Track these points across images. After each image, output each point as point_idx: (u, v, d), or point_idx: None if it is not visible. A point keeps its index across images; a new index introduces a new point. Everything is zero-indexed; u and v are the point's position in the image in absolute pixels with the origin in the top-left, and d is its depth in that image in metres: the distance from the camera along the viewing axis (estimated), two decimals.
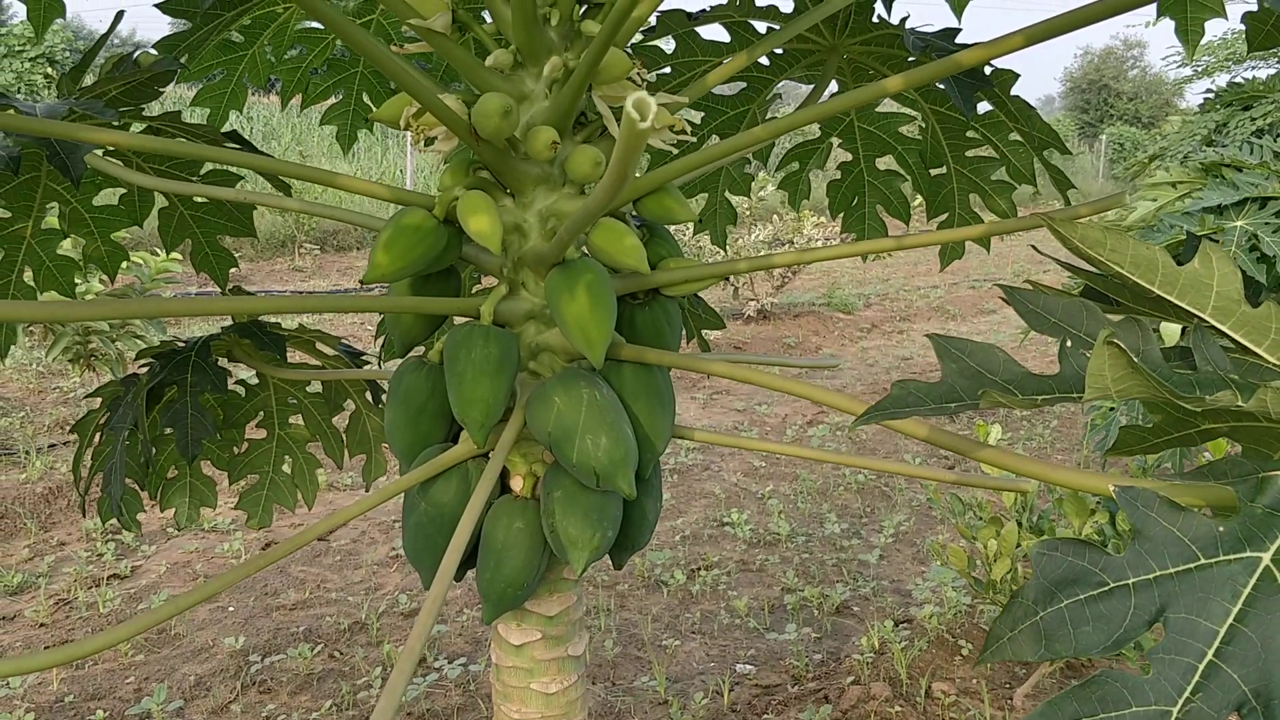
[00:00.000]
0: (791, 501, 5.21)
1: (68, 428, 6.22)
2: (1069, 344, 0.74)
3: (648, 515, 1.32)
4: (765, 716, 3.11)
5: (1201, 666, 0.63)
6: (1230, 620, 0.64)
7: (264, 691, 3.24)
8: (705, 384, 7.65)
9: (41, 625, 3.71)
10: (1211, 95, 7.73)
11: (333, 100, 2.19)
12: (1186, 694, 0.63)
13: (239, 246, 12.28)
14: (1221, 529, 0.66)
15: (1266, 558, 0.65)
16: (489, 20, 1.31)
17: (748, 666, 3.48)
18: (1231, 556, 0.66)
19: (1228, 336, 0.77)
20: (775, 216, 10.74)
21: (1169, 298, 0.78)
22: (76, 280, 1.98)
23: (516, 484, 1.31)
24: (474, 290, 2.02)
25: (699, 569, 4.31)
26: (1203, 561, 0.66)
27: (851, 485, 5.44)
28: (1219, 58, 8.43)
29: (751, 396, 7.32)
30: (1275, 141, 4.65)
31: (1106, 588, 0.66)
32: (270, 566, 4.17)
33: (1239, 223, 3.64)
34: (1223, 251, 0.77)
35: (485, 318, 1.23)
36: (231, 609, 3.86)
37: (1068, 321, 0.76)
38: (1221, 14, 1.28)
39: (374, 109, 2.16)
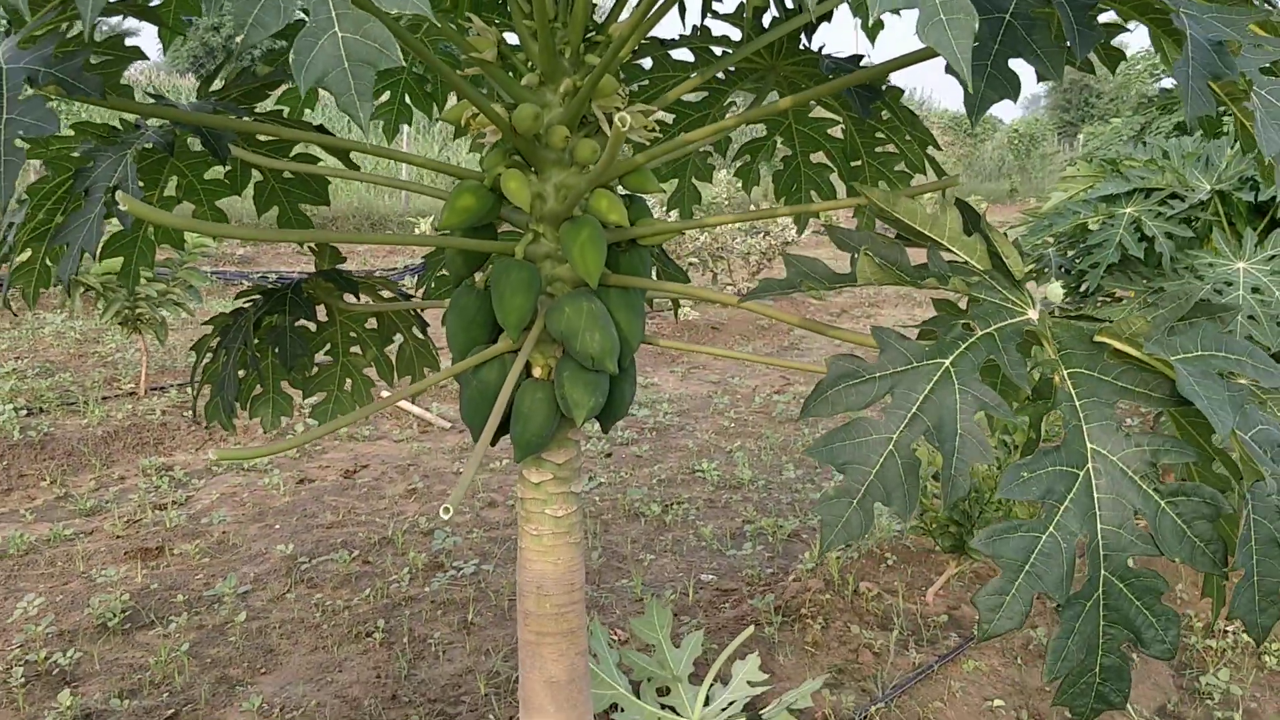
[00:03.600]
0: (755, 455, 5.77)
1: (113, 384, 6.73)
2: (854, 256, 1.28)
3: (625, 394, 1.86)
4: (723, 608, 3.67)
5: (908, 416, 1.18)
6: (925, 393, 1.19)
7: (311, 586, 3.78)
8: (683, 359, 8.21)
9: (118, 537, 4.24)
10: (1145, 100, 8.28)
11: (382, 99, 2.70)
12: (901, 428, 1.17)
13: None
14: (927, 349, 1.21)
15: (947, 362, 1.20)
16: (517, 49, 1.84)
17: (710, 575, 4.04)
18: (929, 362, 1.20)
19: (953, 253, 1.32)
20: (752, 207, 11.28)
21: (925, 232, 1.33)
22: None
23: (537, 371, 1.84)
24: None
25: (672, 504, 4.87)
26: (915, 365, 1.20)
27: (809, 442, 6.00)
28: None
29: (725, 370, 7.87)
30: (1195, 142, 5.15)
31: (863, 378, 1.20)
32: (306, 495, 4.70)
33: (1128, 209, 4.19)
34: (952, 207, 1.32)
35: (518, 255, 1.77)
36: (278, 527, 4.40)
37: (859, 243, 1.31)
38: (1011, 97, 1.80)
39: (413, 108, 2.70)
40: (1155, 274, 4.01)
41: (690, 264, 10.44)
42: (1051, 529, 1.14)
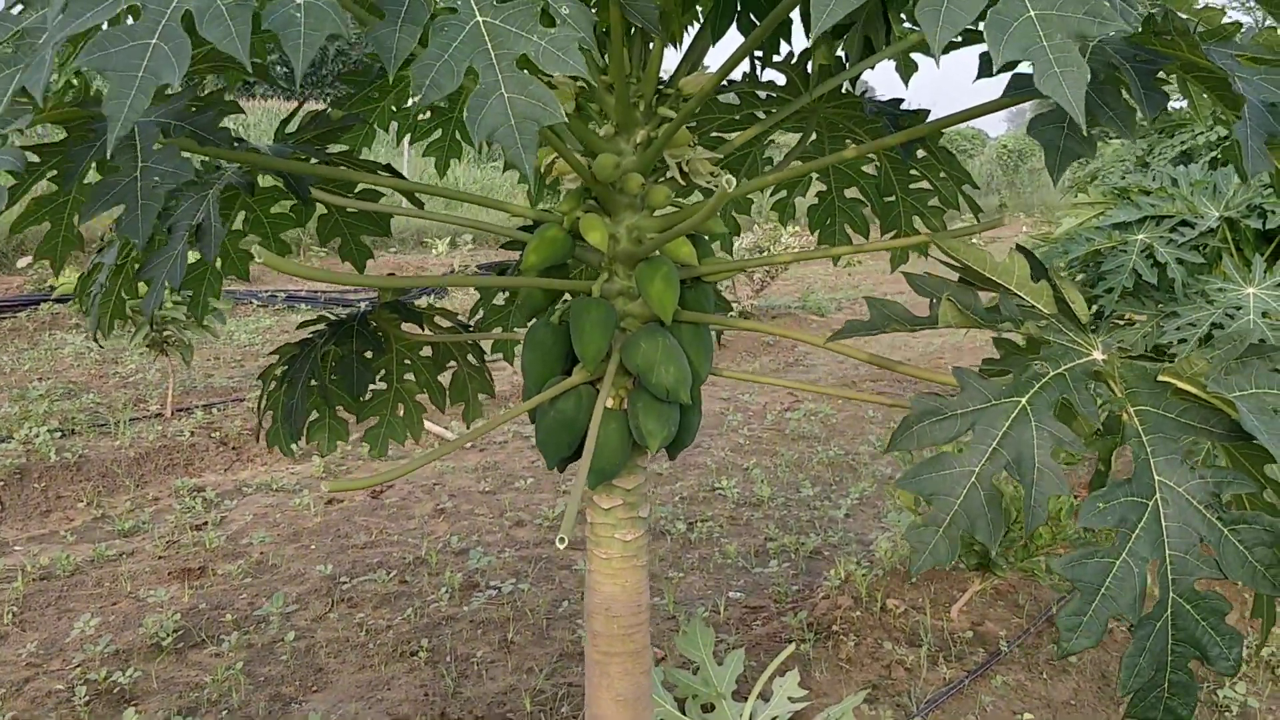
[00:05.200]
0: (772, 472, 5.86)
1: (139, 405, 6.81)
2: (934, 301, 1.38)
3: (693, 422, 1.95)
4: (754, 625, 3.76)
5: (989, 450, 1.27)
6: (1005, 429, 1.28)
7: (352, 606, 3.86)
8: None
9: (160, 557, 4.32)
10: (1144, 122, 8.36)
11: (434, 137, 2.79)
12: (983, 461, 1.27)
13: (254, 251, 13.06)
14: (1004, 388, 1.31)
15: (1023, 400, 1.30)
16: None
17: (738, 593, 4.13)
18: (1006, 400, 1.30)
19: (1022, 299, 1.42)
20: (756, 226, 11.42)
21: (993, 278, 1.43)
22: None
23: (611, 401, 1.94)
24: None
25: (696, 522, 4.95)
26: (993, 403, 1.30)
27: (823, 460, 6.09)
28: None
29: (735, 388, 7.97)
30: (1201, 169, 5.26)
31: (946, 415, 1.30)
32: (337, 516, 4.78)
33: (1139, 236, 4.31)
34: (1020, 255, 1.42)
35: (595, 293, 1.86)
36: (313, 548, 4.49)
37: (936, 290, 1.41)
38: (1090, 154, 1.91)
39: (463, 145, 2.80)
40: (1167, 299, 4.12)
41: None
42: (1125, 555, 1.23)
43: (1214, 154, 6.16)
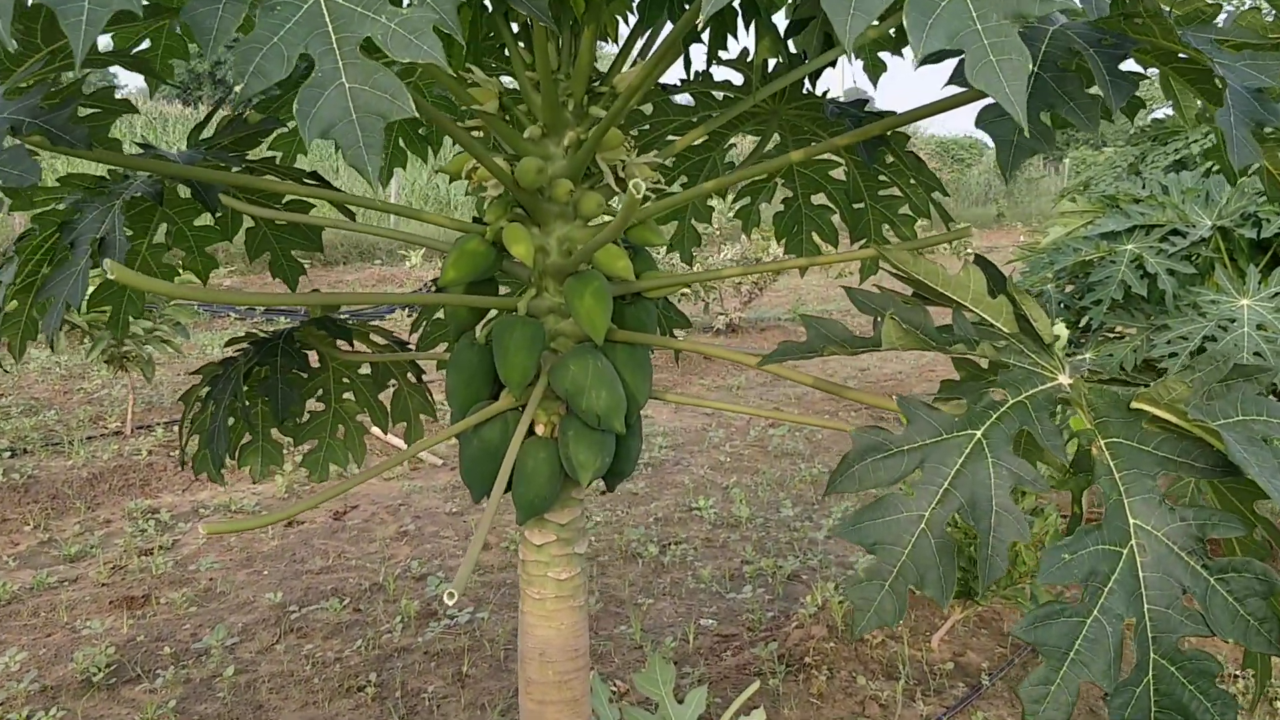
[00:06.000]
0: (752, 491, 5.70)
1: (99, 422, 6.63)
2: (878, 319, 1.23)
3: (631, 451, 1.80)
4: (724, 656, 3.59)
5: (940, 491, 1.12)
6: (958, 466, 1.13)
7: (301, 636, 3.69)
8: (676, 388, 8.15)
9: (103, 584, 4.14)
10: (1135, 130, 8.28)
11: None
12: (932, 505, 1.12)
13: (229, 260, 12.89)
14: (956, 419, 1.16)
15: (978, 433, 1.14)
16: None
17: (710, 620, 3.96)
18: (959, 434, 1.15)
19: (979, 315, 1.27)
20: (744, 237, 11.28)
21: (946, 293, 1.28)
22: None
23: (540, 428, 1.78)
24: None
25: (669, 544, 4.79)
26: (944, 436, 1.15)
27: (806, 478, 5.94)
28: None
29: (718, 402, 7.82)
30: (1195, 178, 5.12)
31: (891, 451, 1.14)
32: (295, 539, 4.61)
33: (1129, 246, 4.17)
34: (977, 268, 1.27)
35: (521, 310, 1.71)
36: (266, 573, 4.31)
37: (880, 306, 1.25)
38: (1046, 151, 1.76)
39: (407, 152, 2.65)
40: (1158, 311, 3.98)
41: (683, 295, 10.41)
42: (1096, 613, 1.07)
43: (1210, 163, 6.04)
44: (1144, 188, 4.57)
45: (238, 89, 0.82)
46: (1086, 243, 4.32)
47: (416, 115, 0.92)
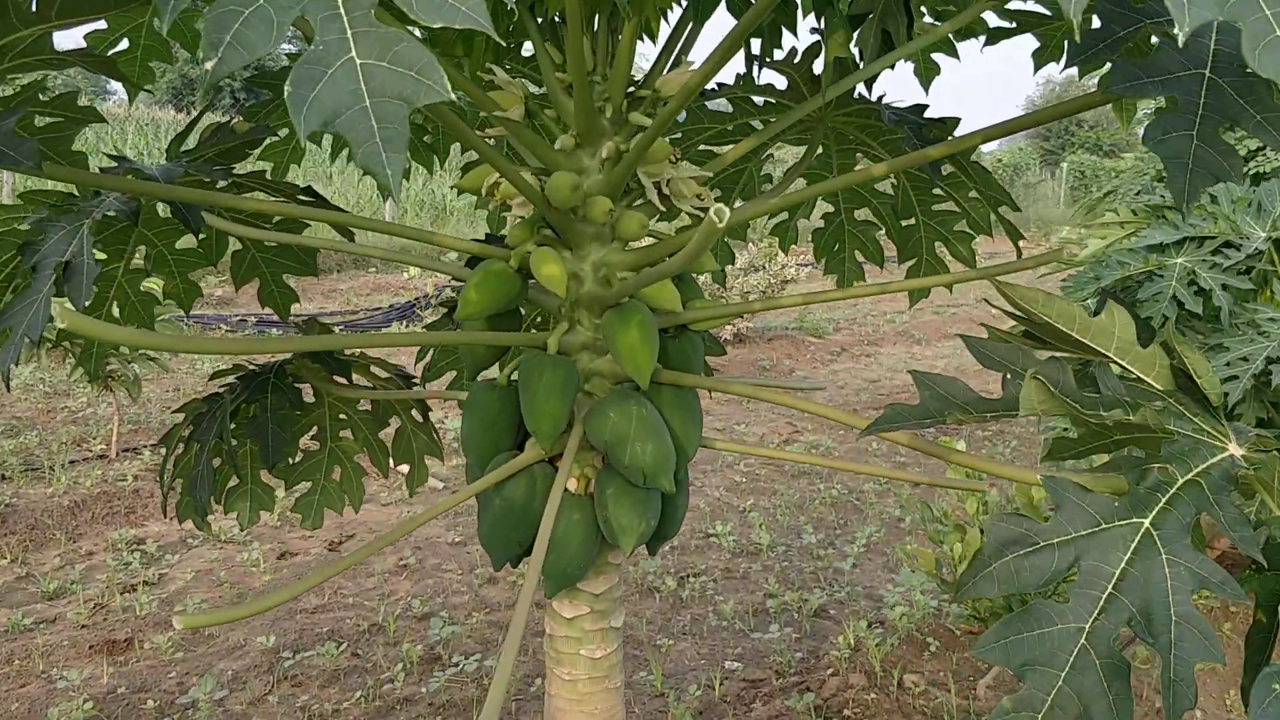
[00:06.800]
0: (771, 514, 5.47)
1: (82, 445, 6.39)
2: (1008, 376, 1.01)
3: (679, 509, 1.57)
4: (754, 705, 3.36)
5: (1103, 597, 0.90)
6: (1123, 565, 0.91)
7: (296, 685, 3.45)
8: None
9: (83, 627, 3.90)
10: None
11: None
12: (1094, 615, 0.89)
13: (221, 269, 12.65)
14: (1116, 504, 0.93)
15: (1146, 522, 0.92)
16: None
17: (735, 663, 3.73)
18: (1123, 522, 0.92)
19: (1125, 369, 1.05)
20: (750, 245, 11.08)
21: (1084, 340, 1.05)
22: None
23: (573, 484, 1.55)
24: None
25: (688, 576, 4.56)
26: (1104, 526, 0.92)
27: (826, 499, 5.71)
28: None
29: (730, 418, 7.59)
30: (1243, 187, 4.90)
31: (1038, 546, 0.92)
32: (288, 573, 4.38)
33: (1179, 260, 3.95)
34: (1122, 308, 1.05)
35: (551, 348, 1.49)
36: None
37: (1008, 360, 1.03)
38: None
39: (410, 161, 2.42)
40: (1211, 330, 3.76)
41: None
42: None
43: (1257, 168, 5.81)
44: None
45: (207, 65, 0.59)
46: (1133, 255, 4.09)
47: (454, 98, 0.69)
